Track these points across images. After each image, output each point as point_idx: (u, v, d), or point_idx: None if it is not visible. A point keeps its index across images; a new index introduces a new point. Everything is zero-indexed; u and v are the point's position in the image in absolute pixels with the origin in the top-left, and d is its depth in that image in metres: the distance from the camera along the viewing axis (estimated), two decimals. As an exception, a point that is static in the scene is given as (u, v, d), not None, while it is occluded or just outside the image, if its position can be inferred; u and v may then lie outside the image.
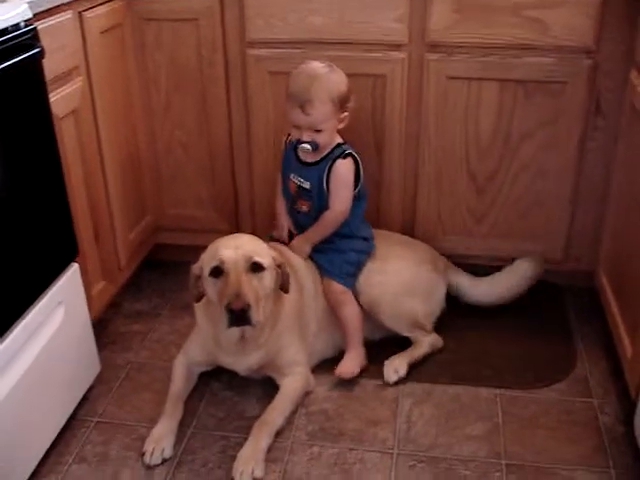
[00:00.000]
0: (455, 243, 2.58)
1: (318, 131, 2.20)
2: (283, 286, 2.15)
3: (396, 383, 2.27)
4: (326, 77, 2.20)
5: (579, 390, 2.24)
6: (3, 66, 1.70)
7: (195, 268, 2.13)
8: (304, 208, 2.35)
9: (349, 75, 2.28)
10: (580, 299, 2.62)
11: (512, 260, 2.52)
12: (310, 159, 2.30)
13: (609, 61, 2.27)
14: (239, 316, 1.97)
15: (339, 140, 2.29)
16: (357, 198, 2.33)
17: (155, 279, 2.80)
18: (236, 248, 2.05)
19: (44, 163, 1.95)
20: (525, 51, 2.29)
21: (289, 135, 2.34)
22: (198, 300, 2.17)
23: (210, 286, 2.06)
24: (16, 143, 1.83)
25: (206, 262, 2.08)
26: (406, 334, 2.37)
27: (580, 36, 2.24)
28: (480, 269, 2.57)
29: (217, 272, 2.04)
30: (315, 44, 2.37)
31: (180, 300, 2.64)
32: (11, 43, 1.75)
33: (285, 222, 2.43)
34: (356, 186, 2.30)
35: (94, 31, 2.21)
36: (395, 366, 2.29)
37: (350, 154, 2.28)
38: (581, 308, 2.59)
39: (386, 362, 2.31)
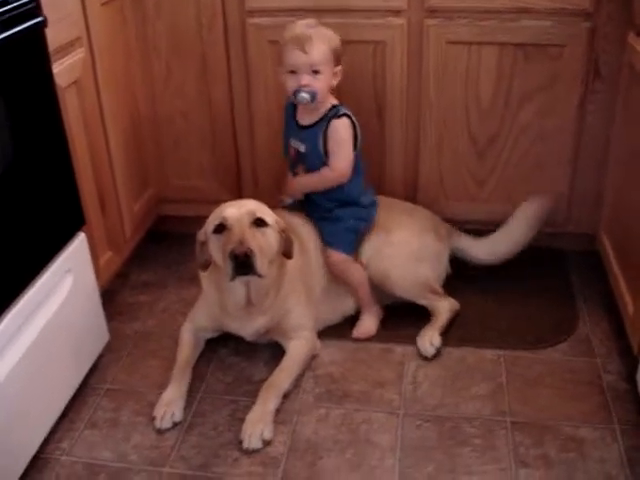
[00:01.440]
0: (457, 208, 2.60)
1: (316, 73, 2.19)
2: (286, 251, 2.17)
3: (400, 342, 2.30)
4: (322, 27, 2.23)
5: (582, 350, 2.27)
6: (6, 35, 1.71)
7: (200, 234, 2.15)
8: (300, 171, 2.37)
9: (349, 42, 2.32)
10: (582, 262, 2.64)
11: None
12: (307, 116, 2.29)
13: (607, 24, 2.28)
14: (243, 263, 1.98)
15: (334, 101, 2.30)
16: (354, 166, 2.33)
17: (160, 251, 2.82)
18: (239, 207, 2.09)
19: (49, 132, 1.97)
20: (523, 14, 2.29)
21: (287, 100, 2.35)
22: (205, 268, 2.19)
23: (214, 243, 2.09)
24: (21, 113, 1.84)
25: (210, 223, 2.11)
26: (421, 302, 2.38)
27: (578, -2, 2.26)
28: (483, 234, 2.57)
29: (220, 228, 2.06)
30: (315, 12, 2.36)
31: (186, 271, 2.66)
32: (14, 12, 1.76)
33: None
34: (354, 148, 2.30)
35: (95, 2, 2.21)
36: (429, 338, 2.30)
37: (345, 114, 2.28)
38: (583, 271, 2.62)
39: (417, 338, 2.31)
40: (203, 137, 2.67)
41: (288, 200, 2.42)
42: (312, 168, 2.32)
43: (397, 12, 2.35)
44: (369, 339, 2.34)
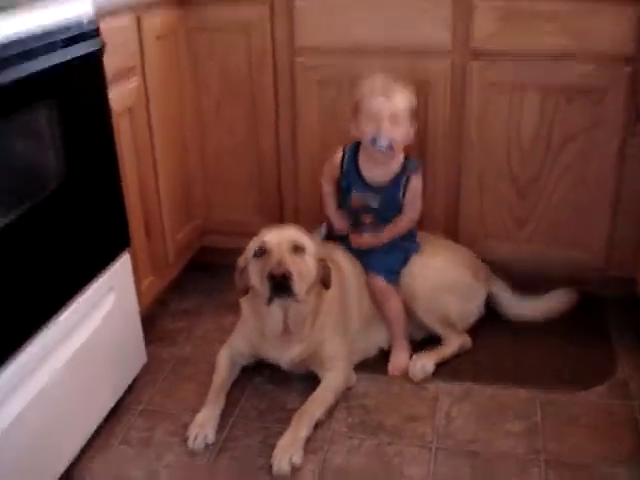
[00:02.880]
0: (497, 248, 2.61)
1: (396, 123, 2.25)
2: (325, 280, 2.20)
3: (430, 377, 2.29)
4: (402, 83, 2.30)
5: (619, 393, 2.24)
6: (69, 57, 1.82)
7: (240, 260, 2.20)
8: (368, 220, 2.42)
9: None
10: (621, 306, 2.61)
11: (550, 277, 2.57)
12: (377, 171, 2.35)
13: (649, 68, 2.31)
14: (280, 284, 2.02)
15: (402, 155, 2.36)
16: None
17: (201, 280, 2.87)
18: (280, 232, 2.15)
19: (102, 154, 2.05)
20: (566, 58, 2.33)
21: (343, 150, 2.41)
22: (244, 293, 2.24)
23: (253, 267, 2.13)
24: (77, 132, 1.93)
25: (250, 248, 2.16)
26: (437, 331, 2.41)
27: (620, 43, 2.28)
28: (521, 276, 2.59)
29: (260, 252, 2.11)
30: (361, 52, 2.45)
31: (225, 300, 2.70)
32: (76, 37, 1.85)
33: (342, 217, 2.47)
34: None
35: (150, 36, 2.32)
36: (423, 363, 2.32)
37: (419, 168, 2.37)
38: (622, 315, 2.59)
39: (414, 357, 2.35)
40: (249, 174, 2.75)
41: (323, 230, 2.47)
42: (384, 219, 2.39)
43: (442, 53, 2.41)
44: (405, 374, 2.34)
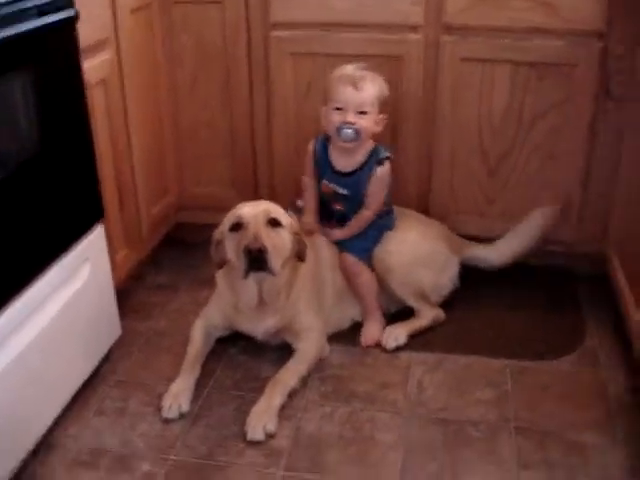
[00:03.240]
0: (468, 223, 2.64)
1: (362, 113, 2.27)
2: (300, 254, 2.22)
3: (403, 348, 2.33)
4: (373, 72, 2.32)
5: (588, 362, 2.29)
6: (41, 24, 1.80)
7: (216, 233, 2.21)
8: (339, 207, 2.44)
9: (367, 57, 2.40)
10: (590, 279, 2.65)
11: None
12: (344, 160, 2.37)
13: (619, 44, 2.33)
14: (256, 258, 2.04)
15: (372, 144, 2.38)
16: None
17: (176, 255, 2.87)
18: (255, 206, 2.16)
19: (75, 124, 2.05)
20: (537, 34, 2.36)
21: (315, 141, 2.44)
22: (220, 267, 2.25)
23: (230, 241, 2.15)
24: (51, 102, 1.93)
25: (226, 221, 2.17)
26: (411, 303, 2.43)
27: (590, 19, 2.31)
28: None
29: (236, 227, 2.13)
30: (335, 26, 2.46)
31: (200, 275, 2.70)
32: (50, 5, 1.84)
33: (314, 205, 2.48)
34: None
35: (124, 8, 2.32)
36: (395, 334, 2.36)
37: (388, 158, 2.37)
38: (591, 288, 2.63)
39: (387, 328, 2.39)
40: (224, 149, 2.75)
41: (300, 203, 2.49)
42: (353, 205, 2.40)
43: (414, 28, 2.43)
44: (377, 345, 2.36)
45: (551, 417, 2.07)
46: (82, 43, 2.03)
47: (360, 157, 2.37)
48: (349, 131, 2.28)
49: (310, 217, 2.46)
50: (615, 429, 2.01)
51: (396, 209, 2.53)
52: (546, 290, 2.61)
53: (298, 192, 2.56)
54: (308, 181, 2.48)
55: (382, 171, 2.36)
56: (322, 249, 2.40)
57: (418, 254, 2.43)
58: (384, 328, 2.39)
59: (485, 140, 2.53)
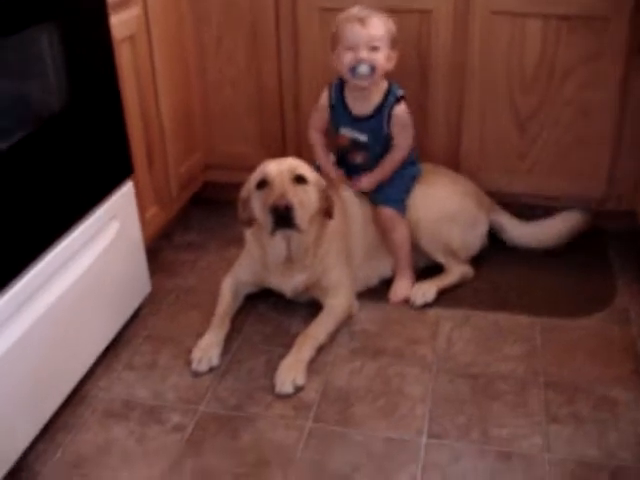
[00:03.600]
0: (498, 179, 2.61)
1: (375, 49, 2.24)
2: (327, 211, 2.22)
3: (431, 305, 2.33)
4: (379, 12, 2.30)
5: (618, 319, 2.27)
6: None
7: (243, 191, 2.22)
8: (358, 159, 2.42)
9: (396, 11, 2.38)
10: (622, 238, 2.64)
11: (550, 209, 2.58)
12: (361, 105, 2.35)
13: (654, -2, 2.29)
14: (283, 216, 2.04)
15: (386, 84, 2.35)
16: None
17: (204, 214, 2.89)
18: (281, 164, 2.16)
19: (103, 80, 2.05)
20: (569, -14, 2.33)
21: (329, 88, 2.41)
22: (248, 225, 2.26)
23: (256, 198, 2.15)
24: (79, 58, 1.93)
25: (252, 179, 2.18)
26: (439, 260, 2.43)
27: (625, -30, 2.27)
28: (521, 209, 2.61)
29: (262, 184, 2.13)
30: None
31: (228, 234, 2.71)
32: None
33: (329, 157, 2.48)
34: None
35: (151, -36, 2.31)
36: (424, 290, 2.36)
37: (403, 97, 2.35)
38: (622, 247, 2.62)
39: (415, 285, 2.38)
40: (250, 105, 2.74)
41: (332, 158, 2.48)
42: (374, 154, 2.38)
43: (444, -19, 2.40)
44: (405, 303, 2.36)
45: (580, 373, 2.06)
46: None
47: (376, 98, 2.35)
48: (364, 67, 2.25)
49: (329, 168, 2.44)
50: (646, 384, 2.01)
51: (425, 165, 2.52)
52: (576, 248, 2.58)
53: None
54: (316, 136, 2.47)
55: (401, 110, 2.34)
56: (352, 205, 2.39)
57: (446, 210, 2.42)
58: (414, 286, 2.39)
59: (515, 95, 2.50)
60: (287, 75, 2.66)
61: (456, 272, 2.42)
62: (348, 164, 2.45)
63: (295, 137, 2.74)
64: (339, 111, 2.40)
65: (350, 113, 2.38)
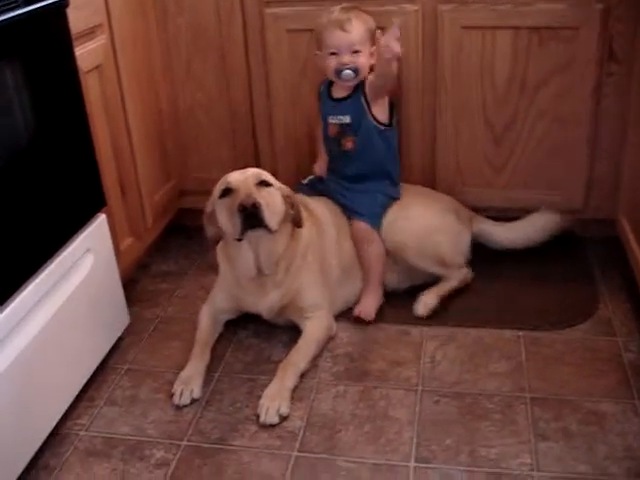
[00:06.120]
0: (475, 194, 2.60)
1: (356, 52, 2.31)
2: (295, 219, 2.21)
3: (416, 322, 2.31)
4: (357, 10, 2.36)
5: (603, 329, 2.25)
6: (30, 9, 1.78)
7: (207, 206, 2.21)
8: (349, 145, 2.43)
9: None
10: (602, 246, 2.62)
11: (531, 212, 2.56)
12: (342, 90, 2.40)
13: (620, 5, 2.28)
14: (251, 214, 2.03)
15: None
16: (392, 127, 2.44)
17: (180, 242, 2.86)
18: (243, 171, 2.17)
19: (70, 112, 2.02)
20: (537, -3, 2.33)
21: (321, 84, 2.47)
22: (215, 242, 2.26)
23: (221, 207, 2.13)
24: (44, 90, 1.90)
25: (216, 191, 2.17)
26: (434, 270, 2.40)
27: (591, -20, 2.27)
28: (500, 220, 2.59)
29: (227, 192, 2.12)
30: (330, 0, 2.41)
31: (206, 261, 2.68)
32: (36, -11, 1.83)
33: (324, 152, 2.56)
34: (391, 116, 2.42)
35: (116, -8, 2.29)
36: (425, 300, 2.35)
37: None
38: (603, 255, 2.60)
39: (417, 298, 2.36)
40: (223, 130, 2.72)
41: (304, 181, 2.49)
42: (364, 136, 2.39)
43: (411, -2, 2.40)
44: (370, 322, 2.33)
45: (567, 386, 2.03)
46: (74, 30, 2.01)
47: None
48: (348, 71, 2.33)
49: (321, 162, 2.57)
50: (632, 395, 1.98)
51: (402, 185, 2.50)
52: (557, 258, 2.57)
53: (299, 175, 2.59)
54: (318, 131, 2.55)
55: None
56: (325, 219, 2.38)
57: (428, 225, 2.40)
58: (380, 304, 2.37)
59: (489, 108, 2.49)
60: (258, 98, 2.65)
61: (455, 276, 2.41)
62: (342, 153, 2.45)
63: (270, 161, 2.72)
64: (324, 100, 2.46)
65: (332, 98, 2.44)
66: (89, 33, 2.16)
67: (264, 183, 2.14)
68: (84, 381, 2.10)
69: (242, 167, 2.66)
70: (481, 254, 2.55)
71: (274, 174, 2.66)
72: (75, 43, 2.03)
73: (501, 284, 2.48)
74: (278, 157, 2.71)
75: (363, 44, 2.32)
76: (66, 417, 2.02)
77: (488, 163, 2.56)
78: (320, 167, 2.58)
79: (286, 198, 2.18)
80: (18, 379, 1.77)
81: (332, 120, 2.43)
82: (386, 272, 2.40)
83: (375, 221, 2.38)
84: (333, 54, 2.34)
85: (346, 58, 2.32)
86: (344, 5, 2.37)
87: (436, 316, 2.34)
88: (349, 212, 2.41)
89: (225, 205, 2.11)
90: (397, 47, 2.20)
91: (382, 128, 2.40)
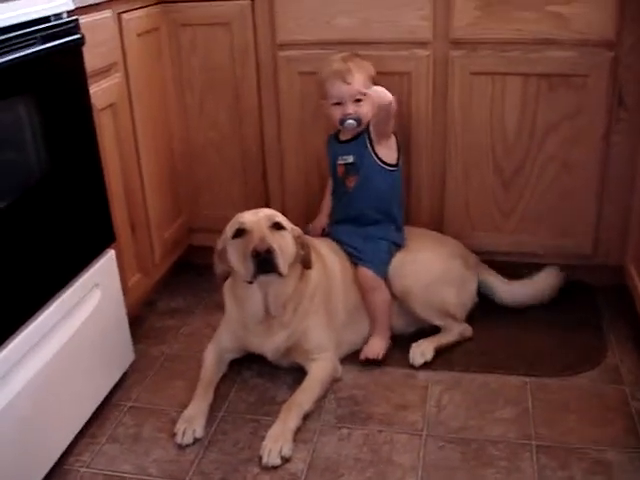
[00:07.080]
0: (484, 239, 2.61)
1: (358, 101, 2.35)
2: (305, 260, 2.21)
3: (422, 367, 2.30)
4: (357, 58, 2.41)
5: (610, 377, 2.23)
6: (48, 46, 1.80)
7: (218, 243, 2.22)
8: (351, 184, 2.45)
9: (376, 74, 2.40)
10: (610, 294, 2.61)
11: (538, 265, 2.56)
12: (353, 134, 2.43)
13: (630, 54, 2.31)
14: (265, 260, 2.04)
15: None
16: (398, 170, 2.45)
17: (189, 279, 2.87)
18: (256, 213, 2.18)
19: (83, 148, 2.05)
20: (547, 45, 2.34)
21: (330, 136, 2.52)
22: (223, 279, 2.26)
23: (233, 248, 2.14)
24: (58, 126, 1.92)
25: (228, 230, 2.18)
26: (437, 322, 2.39)
27: (601, 29, 2.29)
28: (509, 266, 2.59)
29: (240, 233, 2.13)
30: (343, 44, 2.45)
31: (213, 299, 2.67)
32: (54, 30, 1.85)
33: (324, 220, 2.60)
34: (398, 159, 2.44)
35: (131, 32, 2.33)
36: (422, 349, 2.33)
37: None
38: (611, 303, 2.59)
39: (413, 345, 2.35)
40: (234, 169, 2.75)
41: (308, 228, 2.56)
42: (365, 174, 2.41)
43: (422, 44, 2.42)
44: (377, 363, 2.32)
45: (573, 434, 2.01)
46: (89, 68, 2.04)
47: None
48: (351, 121, 2.38)
49: (322, 217, 2.63)
50: (639, 446, 1.96)
51: (409, 229, 2.51)
52: (565, 305, 2.56)
53: (308, 215, 2.62)
54: (327, 189, 2.60)
55: None
56: (332, 263, 2.38)
57: (435, 273, 2.39)
58: (388, 349, 2.36)
59: (498, 154, 2.51)
60: (270, 138, 2.68)
61: (454, 331, 2.39)
62: (343, 193, 2.48)
63: (280, 199, 2.74)
64: (332, 143, 2.51)
65: (339, 141, 2.48)
66: (104, 71, 2.19)
67: (277, 225, 2.14)
68: (87, 417, 2.09)
69: (253, 205, 2.71)
70: (489, 298, 2.55)
71: (284, 213, 2.69)
72: (90, 81, 2.05)
73: (508, 329, 2.46)
74: (287, 197, 2.73)
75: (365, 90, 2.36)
76: (68, 453, 2.00)
77: (497, 207, 2.57)
78: (314, 226, 2.61)
79: (297, 239, 2.19)
80: (21, 413, 1.77)
81: (339, 161, 2.47)
82: (392, 316, 2.39)
83: (381, 268, 2.38)
84: (337, 104, 2.39)
85: (349, 108, 2.37)
86: (343, 55, 2.41)
87: (443, 360, 2.33)
88: (354, 258, 2.41)
89: (238, 246, 2.12)
90: (387, 94, 2.26)
91: (388, 168, 2.41)
